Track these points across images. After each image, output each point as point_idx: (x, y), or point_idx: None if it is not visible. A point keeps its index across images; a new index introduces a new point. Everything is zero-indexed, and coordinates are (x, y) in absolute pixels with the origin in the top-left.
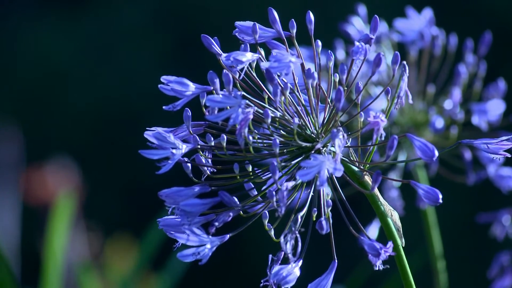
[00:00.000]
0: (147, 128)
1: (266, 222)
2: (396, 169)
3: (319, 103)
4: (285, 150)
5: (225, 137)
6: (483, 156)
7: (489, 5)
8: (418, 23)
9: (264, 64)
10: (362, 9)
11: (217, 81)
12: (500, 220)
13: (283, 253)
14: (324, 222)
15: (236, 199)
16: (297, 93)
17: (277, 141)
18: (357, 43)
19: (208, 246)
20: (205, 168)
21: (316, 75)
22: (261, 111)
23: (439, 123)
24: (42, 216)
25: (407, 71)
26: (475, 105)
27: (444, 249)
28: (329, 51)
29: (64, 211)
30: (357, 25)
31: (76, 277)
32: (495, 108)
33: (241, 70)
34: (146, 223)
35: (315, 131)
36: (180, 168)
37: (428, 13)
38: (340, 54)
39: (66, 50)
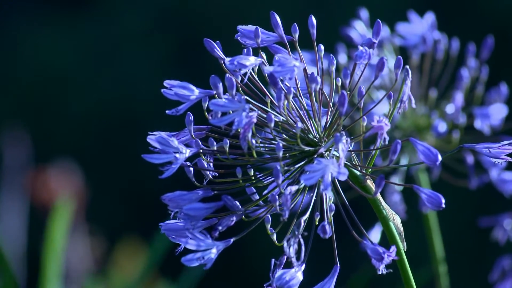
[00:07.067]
0: (149, 133)
1: (268, 226)
2: (398, 173)
3: (322, 107)
4: (287, 154)
5: (227, 141)
6: (485, 160)
7: (492, 9)
8: (420, 27)
9: (268, 69)
10: (364, 13)
11: (220, 85)
12: (501, 224)
13: (285, 257)
14: (327, 226)
15: (238, 203)
16: (300, 98)
17: (280, 145)
18: (361, 48)
19: (214, 250)
20: (208, 172)
21: (319, 79)
22: (264, 115)
23: (442, 127)
24: (46, 219)
25: (410, 75)
26: (477, 109)
27: (445, 252)
28: (331, 55)
29: (63, 215)
30: (359, 29)
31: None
32: (497, 112)
33: (244, 74)
34: (150, 227)
35: (318, 135)
36: (183, 172)
37: (430, 17)
38: (342, 58)
39: (68, 53)
